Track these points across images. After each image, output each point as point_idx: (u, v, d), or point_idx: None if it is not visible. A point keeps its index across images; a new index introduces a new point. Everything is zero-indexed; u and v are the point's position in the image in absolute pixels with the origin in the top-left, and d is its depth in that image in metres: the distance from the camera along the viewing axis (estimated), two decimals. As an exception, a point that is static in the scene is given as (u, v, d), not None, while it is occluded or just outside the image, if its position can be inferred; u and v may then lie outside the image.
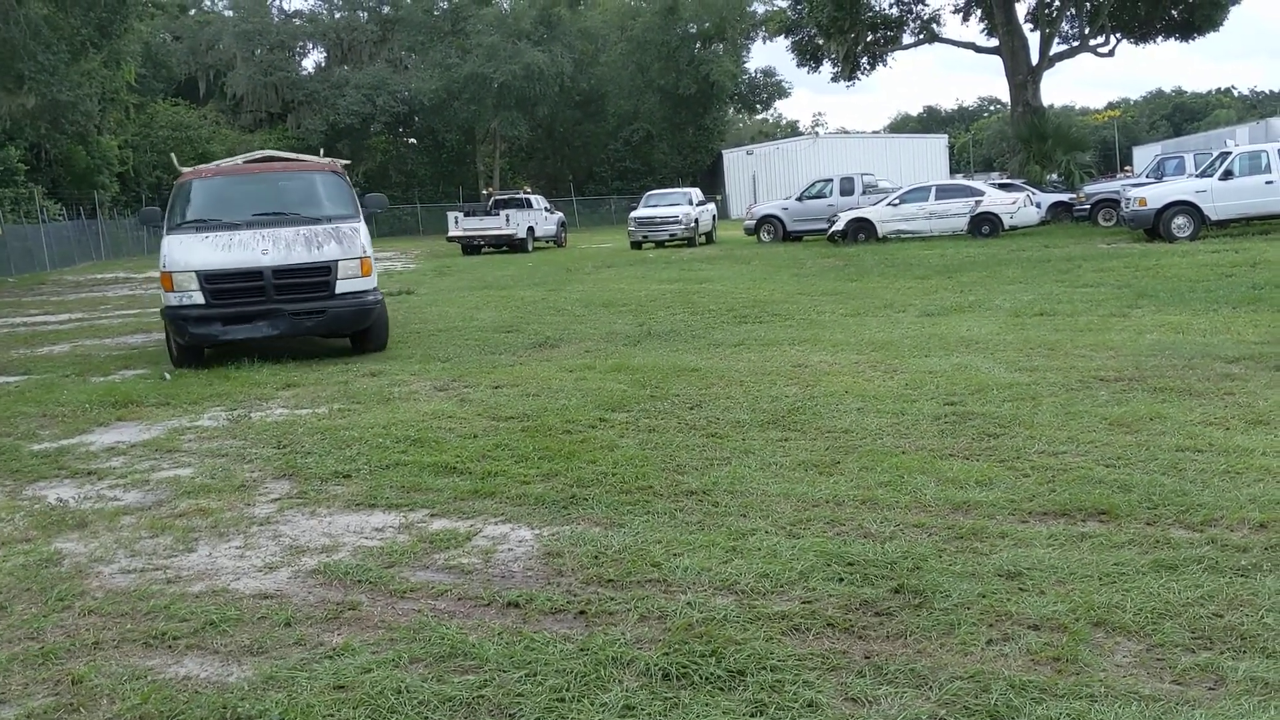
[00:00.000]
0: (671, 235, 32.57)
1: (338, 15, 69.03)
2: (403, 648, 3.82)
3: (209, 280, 10.77)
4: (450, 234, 35.82)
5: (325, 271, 11.07)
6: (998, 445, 6.12)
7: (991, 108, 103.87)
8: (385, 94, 62.46)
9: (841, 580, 4.18)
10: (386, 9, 68.34)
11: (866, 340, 10.41)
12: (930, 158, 57.72)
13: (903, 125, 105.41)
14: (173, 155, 14.06)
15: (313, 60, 71.04)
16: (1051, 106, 49.55)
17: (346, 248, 11.30)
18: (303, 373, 10.34)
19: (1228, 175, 21.48)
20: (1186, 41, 35.85)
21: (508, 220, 34.40)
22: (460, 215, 36.09)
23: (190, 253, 10.94)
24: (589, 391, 8.43)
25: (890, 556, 4.36)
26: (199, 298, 10.77)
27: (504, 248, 35.07)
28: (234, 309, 10.88)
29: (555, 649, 3.72)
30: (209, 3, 68.70)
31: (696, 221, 33.18)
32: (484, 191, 47.87)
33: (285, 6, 69.33)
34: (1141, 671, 3.36)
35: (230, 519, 5.59)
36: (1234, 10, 34.74)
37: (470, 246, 35.08)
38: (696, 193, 36.21)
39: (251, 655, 3.87)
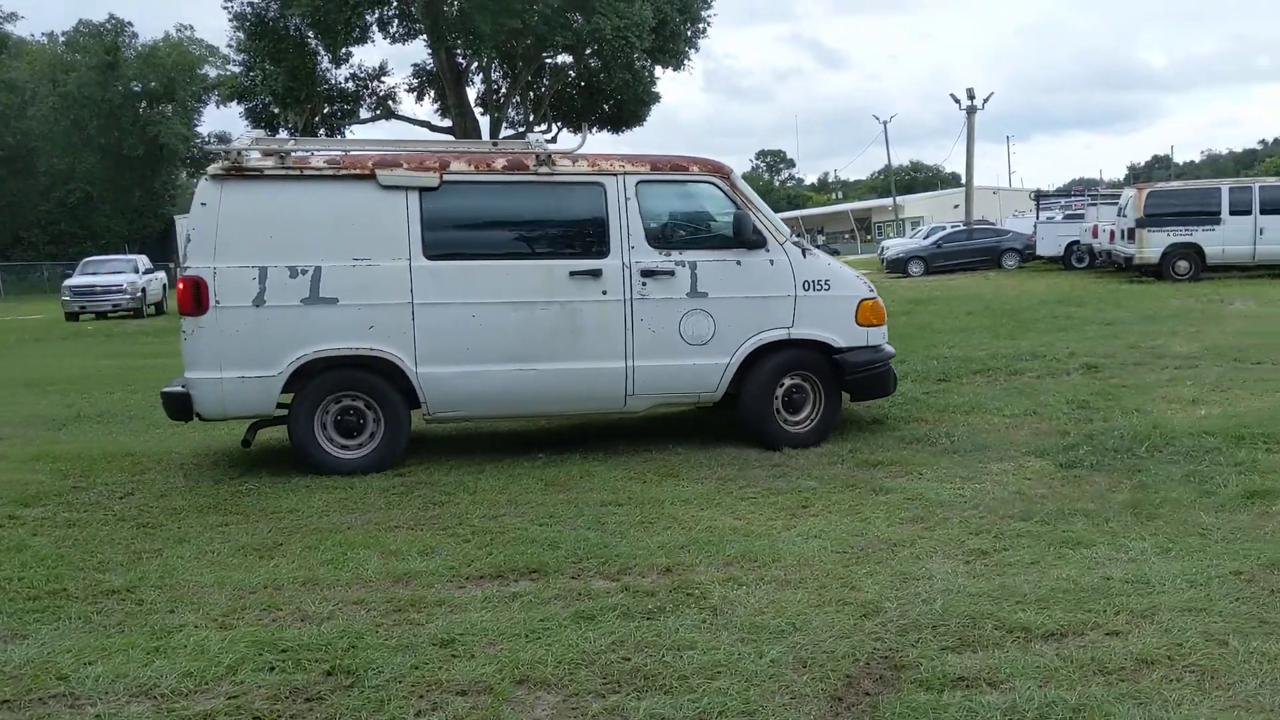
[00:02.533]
0: (115, 305, 30.01)
1: None
2: None
3: None
4: None
5: None
6: (442, 513, 6.27)
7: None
8: None
9: (273, 669, 4.00)
10: None
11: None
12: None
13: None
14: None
15: None
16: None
17: None
18: None
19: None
20: (617, 134, 40.12)
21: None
22: None
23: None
24: (-4, 486, 7.41)
25: (326, 637, 4.26)
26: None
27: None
28: None
29: (-79, 797, 3.17)
30: None
31: (144, 291, 30.94)
32: None
33: None
34: (557, 721, 3.57)
35: None
36: (655, 109, 39.56)
37: None
38: (144, 260, 34.04)
39: None
